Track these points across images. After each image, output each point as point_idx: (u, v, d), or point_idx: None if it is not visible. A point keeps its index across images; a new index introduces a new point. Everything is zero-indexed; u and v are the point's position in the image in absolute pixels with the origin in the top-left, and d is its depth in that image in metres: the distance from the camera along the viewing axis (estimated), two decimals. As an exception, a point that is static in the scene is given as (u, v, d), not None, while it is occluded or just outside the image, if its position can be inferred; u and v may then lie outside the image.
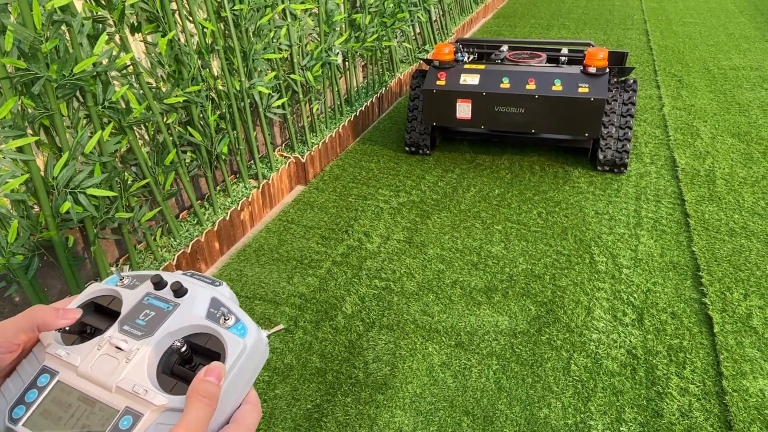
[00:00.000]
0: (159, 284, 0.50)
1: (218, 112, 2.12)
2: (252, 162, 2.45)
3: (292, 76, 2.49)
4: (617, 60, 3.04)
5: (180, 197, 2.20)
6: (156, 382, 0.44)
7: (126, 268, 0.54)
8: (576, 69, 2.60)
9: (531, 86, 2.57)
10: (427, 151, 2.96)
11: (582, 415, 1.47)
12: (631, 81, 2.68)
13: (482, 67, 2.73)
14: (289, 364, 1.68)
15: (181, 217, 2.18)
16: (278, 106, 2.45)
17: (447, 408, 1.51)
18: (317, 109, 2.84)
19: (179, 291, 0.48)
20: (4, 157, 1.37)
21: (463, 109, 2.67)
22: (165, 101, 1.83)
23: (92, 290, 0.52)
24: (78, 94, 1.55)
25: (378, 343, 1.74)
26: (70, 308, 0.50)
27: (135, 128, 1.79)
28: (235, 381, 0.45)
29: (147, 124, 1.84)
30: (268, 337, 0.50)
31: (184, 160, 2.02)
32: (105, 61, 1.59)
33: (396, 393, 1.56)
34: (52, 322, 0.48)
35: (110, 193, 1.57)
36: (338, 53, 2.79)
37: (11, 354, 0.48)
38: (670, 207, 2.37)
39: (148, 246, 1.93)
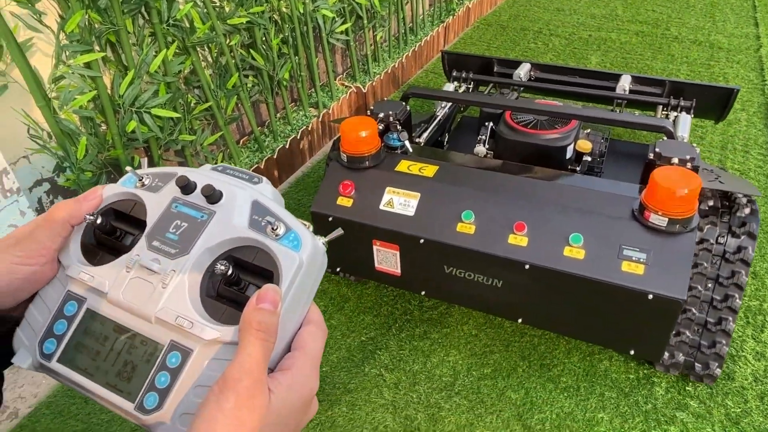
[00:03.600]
0: (186, 187, 0.41)
1: (281, 36, 2.05)
2: (312, 90, 2.39)
3: (357, -1, 2.37)
4: (716, 103, 1.84)
5: (241, 123, 2.18)
6: (201, 309, 0.38)
7: (144, 163, 0.46)
8: (624, 209, 1.21)
9: (518, 240, 1.24)
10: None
11: (646, 371, 1.41)
12: (746, 215, 1.24)
13: (429, 173, 1.37)
14: (344, 295, 1.68)
15: (241, 143, 2.17)
16: (342, 32, 2.35)
17: (502, 351, 1.48)
18: (381, 37, 2.71)
19: (212, 196, 0.40)
20: (72, 73, 1.36)
21: (386, 259, 1.39)
22: (228, 21, 1.77)
23: (108, 193, 0.44)
24: (143, 10, 1.52)
25: (434, 282, 1.71)
26: (91, 191, 0.44)
27: (198, 49, 1.75)
28: (293, 303, 0.38)
29: (210, 45, 1.79)
30: (326, 244, 0.42)
31: (246, 84, 1.98)
32: (170, -24, 1.53)
33: (451, 332, 1.54)
34: (77, 212, 0.42)
35: (174, 114, 1.55)
36: (406, -24, 2.62)
37: (52, 264, 0.42)
38: (760, 159, 2.17)
39: (210, 170, 1.94)
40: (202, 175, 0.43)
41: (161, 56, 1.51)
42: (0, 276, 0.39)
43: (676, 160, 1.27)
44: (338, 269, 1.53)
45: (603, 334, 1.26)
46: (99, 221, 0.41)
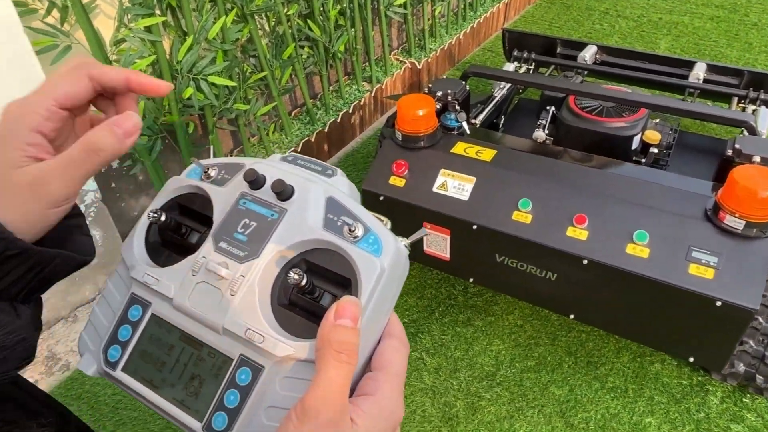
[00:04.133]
0: (255, 182, 0.38)
1: (339, 7, 2.01)
2: (366, 64, 2.35)
3: (418, -29, 2.30)
4: None
5: (294, 94, 2.16)
6: (273, 320, 0.35)
7: (211, 150, 0.44)
8: (695, 207, 1.13)
9: (577, 233, 1.17)
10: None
11: (700, 378, 1.34)
12: None
13: (487, 157, 1.31)
14: (388, 275, 1.66)
15: (293, 114, 2.16)
16: (400, 5, 2.28)
17: (548, 345, 1.44)
18: (439, 12, 2.63)
19: (283, 192, 0.36)
20: (133, 36, 1.37)
21: (436, 242, 1.35)
22: (288, -10, 1.75)
23: (173, 186, 0.41)
24: (204, -25, 1.50)
25: (481, 268, 1.67)
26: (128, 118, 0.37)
27: (256, 17, 1.73)
28: (374, 316, 0.34)
29: (268, 13, 1.77)
30: (408, 246, 0.37)
31: (301, 55, 1.96)
32: (232, -59, 1.51)
33: (496, 321, 1.50)
34: (106, 141, 0.36)
35: (230, 83, 1.55)
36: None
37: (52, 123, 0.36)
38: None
39: (261, 140, 1.94)
40: (271, 167, 0.39)
41: (220, 23, 1.50)
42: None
43: (758, 159, 1.18)
44: None
45: (662, 338, 1.20)
46: (163, 219, 0.38)
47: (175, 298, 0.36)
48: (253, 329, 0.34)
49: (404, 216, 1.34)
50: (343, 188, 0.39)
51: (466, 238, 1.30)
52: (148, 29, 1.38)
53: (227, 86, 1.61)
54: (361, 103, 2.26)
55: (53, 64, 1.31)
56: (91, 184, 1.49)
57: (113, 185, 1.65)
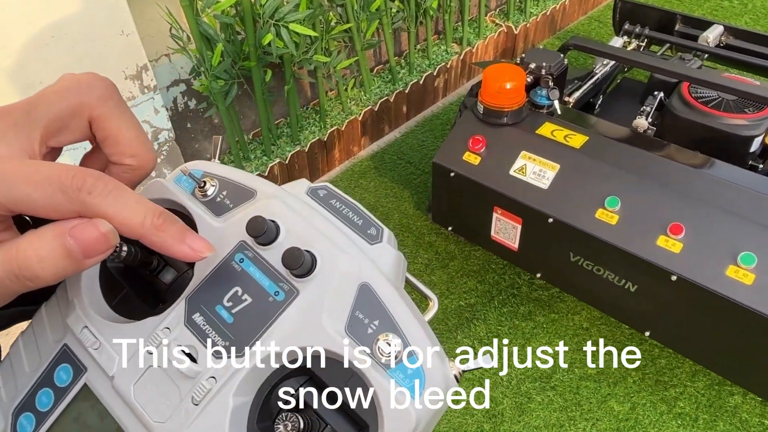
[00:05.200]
0: (263, 237, 0.26)
1: (437, -41, 1.87)
2: (459, 23, 2.20)
3: (529, -75, 2.10)
4: None
5: (378, 50, 2.07)
6: None
7: (218, 142, 0.31)
8: None
9: (670, 244, 1.03)
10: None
11: (787, 421, 1.18)
12: None
13: (576, 143, 1.18)
14: (451, 252, 1.57)
15: (375, 71, 2.07)
16: (504, -38, 2.10)
17: (614, 354, 1.32)
18: (547, -27, 2.42)
19: (303, 265, 0.25)
20: (219, -25, 1.32)
21: (505, 230, 1.25)
22: (384, -64, 1.63)
23: (152, 196, 0.29)
24: None
25: (551, 259, 1.55)
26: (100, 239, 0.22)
27: (348, -36, 1.63)
28: None
29: (361, -40, 1.67)
30: (460, 375, 0.26)
31: (390, 9, 1.85)
32: None
33: (560, 319, 1.40)
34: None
35: (312, 33, 1.47)
36: None
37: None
38: None
39: (339, 95, 1.87)
40: (290, 212, 0.27)
41: (308, -33, 1.43)
42: None
43: None
44: (450, 228, 1.43)
45: (751, 376, 1.06)
46: (125, 252, 0.26)
47: (117, 378, 0.26)
48: None
49: (474, 197, 1.25)
50: (386, 265, 0.27)
51: (540, 231, 1.18)
52: (234, -32, 1.33)
53: (309, 36, 1.54)
54: (448, 66, 2.13)
55: (138, -2, 1.29)
56: (165, 123, 1.49)
57: (188, 125, 1.65)
